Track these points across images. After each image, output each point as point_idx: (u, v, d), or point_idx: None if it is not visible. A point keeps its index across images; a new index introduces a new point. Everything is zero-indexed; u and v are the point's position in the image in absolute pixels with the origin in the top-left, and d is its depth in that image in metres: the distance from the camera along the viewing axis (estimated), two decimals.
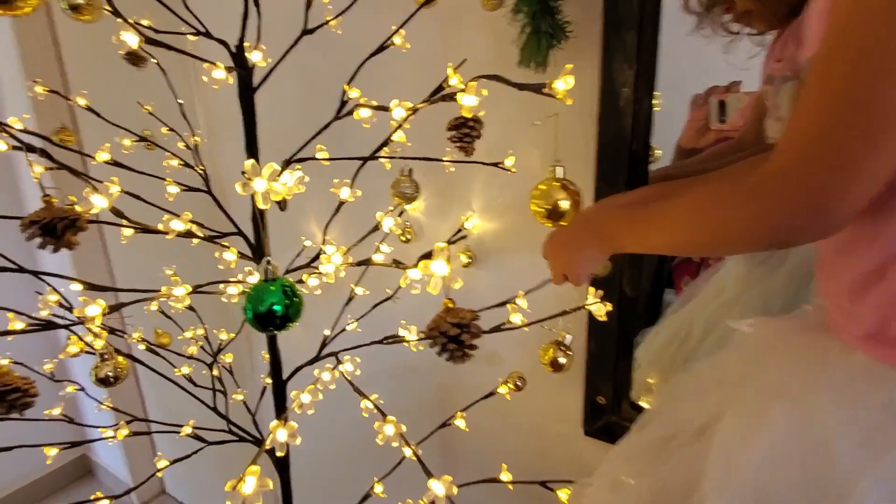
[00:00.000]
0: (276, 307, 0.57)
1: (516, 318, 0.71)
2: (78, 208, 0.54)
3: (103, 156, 0.79)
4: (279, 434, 0.53)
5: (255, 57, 0.71)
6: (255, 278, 0.77)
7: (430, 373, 1.16)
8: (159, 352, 0.93)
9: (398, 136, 0.69)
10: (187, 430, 0.93)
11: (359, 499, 0.92)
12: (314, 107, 1.02)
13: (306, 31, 0.75)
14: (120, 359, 0.67)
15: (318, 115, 0.77)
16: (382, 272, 0.88)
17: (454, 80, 0.54)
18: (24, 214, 0.57)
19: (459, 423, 0.84)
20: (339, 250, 0.73)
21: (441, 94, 0.56)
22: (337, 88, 0.76)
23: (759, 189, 0.43)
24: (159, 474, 0.88)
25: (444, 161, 0.77)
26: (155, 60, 0.85)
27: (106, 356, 0.65)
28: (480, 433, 1.01)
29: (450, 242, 0.93)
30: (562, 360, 0.78)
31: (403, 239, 1.05)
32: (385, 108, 0.64)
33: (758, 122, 0.74)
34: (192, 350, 1.00)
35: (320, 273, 0.73)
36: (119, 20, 0.57)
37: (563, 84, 0.51)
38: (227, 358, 1.08)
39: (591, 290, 0.72)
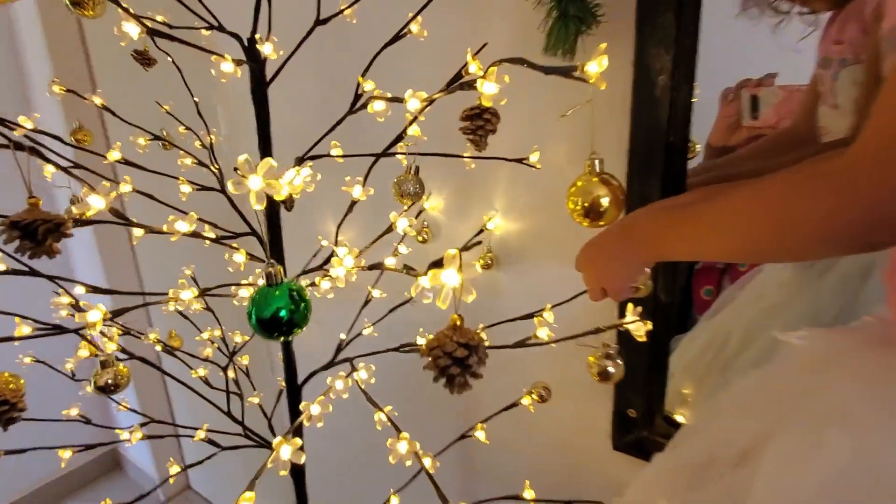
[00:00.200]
0: (282, 312, 0.54)
1: (543, 333, 0.65)
2: (75, 210, 0.52)
3: (115, 154, 0.77)
4: (283, 451, 0.49)
5: (266, 49, 0.68)
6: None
7: None
8: (177, 354, 0.92)
9: (413, 130, 0.65)
10: (201, 434, 0.92)
11: None
12: (330, 102, 0.99)
13: (319, 22, 0.72)
14: (121, 366, 0.65)
15: (335, 110, 0.73)
16: (399, 274, 0.85)
17: (473, 67, 0.49)
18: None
19: (479, 434, 0.80)
20: (350, 252, 0.69)
21: (459, 82, 0.52)
22: (353, 81, 0.73)
23: (840, 177, 0.37)
24: (171, 480, 0.87)
25: (464, 157, 0.72)
26: (170, 58, 0.83)
27: (106, 363, 0.63)
28: (502, 446, 0.97)
29: (463, 249, 0.89)
30: (611, 369, 0.71)
31: (420, 239, 1.01)
32: (399, 100, 0.59)
33: (812, 111, 0.67)
34: (208, 352, 0.98)
35: (332, 277, 0.69)
36: (121, 10, 0.55)
37: (595, 66, 0.44)
38: (244, 360, 1.07)
39: (630, 306, 0.65)
